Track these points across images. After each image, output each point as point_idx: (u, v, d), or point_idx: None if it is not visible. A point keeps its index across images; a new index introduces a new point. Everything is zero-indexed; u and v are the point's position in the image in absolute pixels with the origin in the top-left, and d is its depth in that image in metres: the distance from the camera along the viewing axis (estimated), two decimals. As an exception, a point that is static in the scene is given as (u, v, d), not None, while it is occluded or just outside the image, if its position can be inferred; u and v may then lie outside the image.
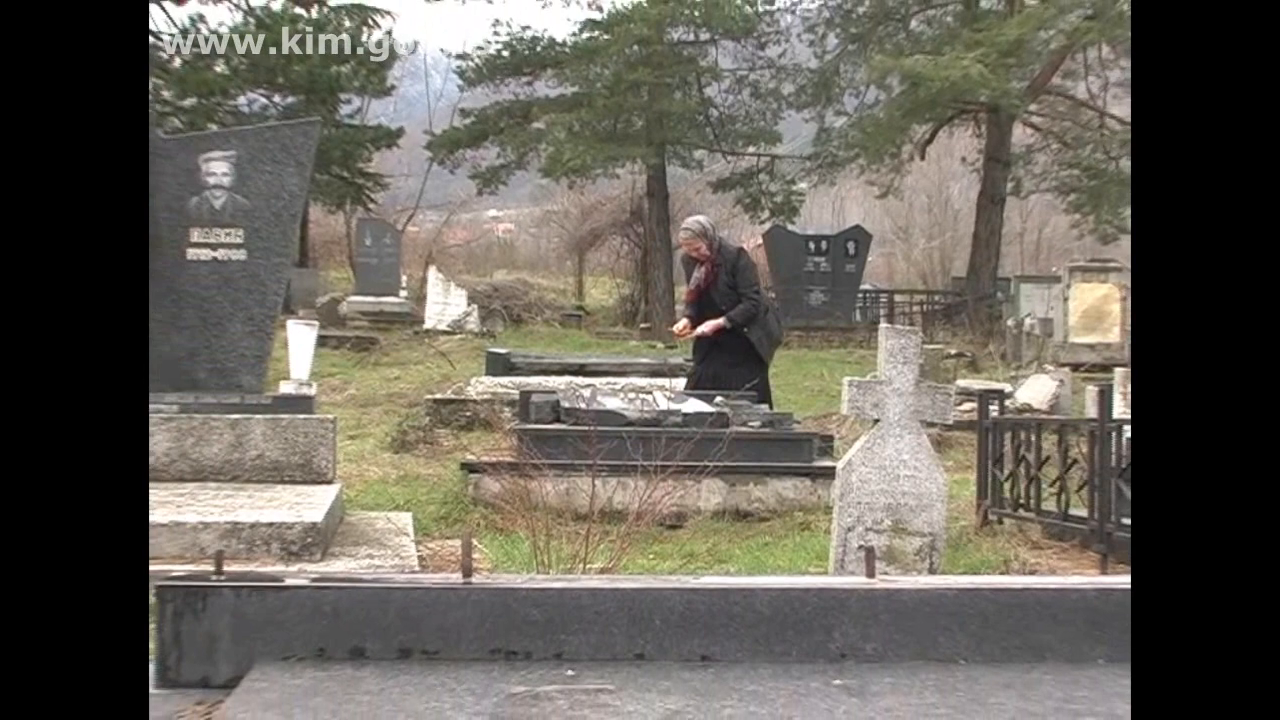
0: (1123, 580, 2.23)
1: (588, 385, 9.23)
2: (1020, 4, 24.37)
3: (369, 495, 7.46)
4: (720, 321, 8.43)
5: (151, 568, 4.46)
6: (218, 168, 6.54)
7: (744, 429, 7.74)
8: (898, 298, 26.00)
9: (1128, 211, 24.04)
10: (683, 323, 8.77)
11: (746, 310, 8.49)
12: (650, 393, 8.60)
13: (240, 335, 6.54)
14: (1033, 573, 5.49)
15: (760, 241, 24.21)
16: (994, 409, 7.74)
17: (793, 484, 7.48)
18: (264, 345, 6.69)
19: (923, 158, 26.95)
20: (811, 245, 22.32)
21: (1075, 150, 25.47)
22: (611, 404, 8.02)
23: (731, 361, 8.56)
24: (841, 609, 1.97)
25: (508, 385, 10.54)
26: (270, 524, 4.94)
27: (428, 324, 19.32)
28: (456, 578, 2.03)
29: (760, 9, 26.25)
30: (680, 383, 9.13)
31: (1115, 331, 17.44)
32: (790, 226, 24.70)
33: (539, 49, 26.29)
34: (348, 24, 24.40)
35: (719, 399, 8.24)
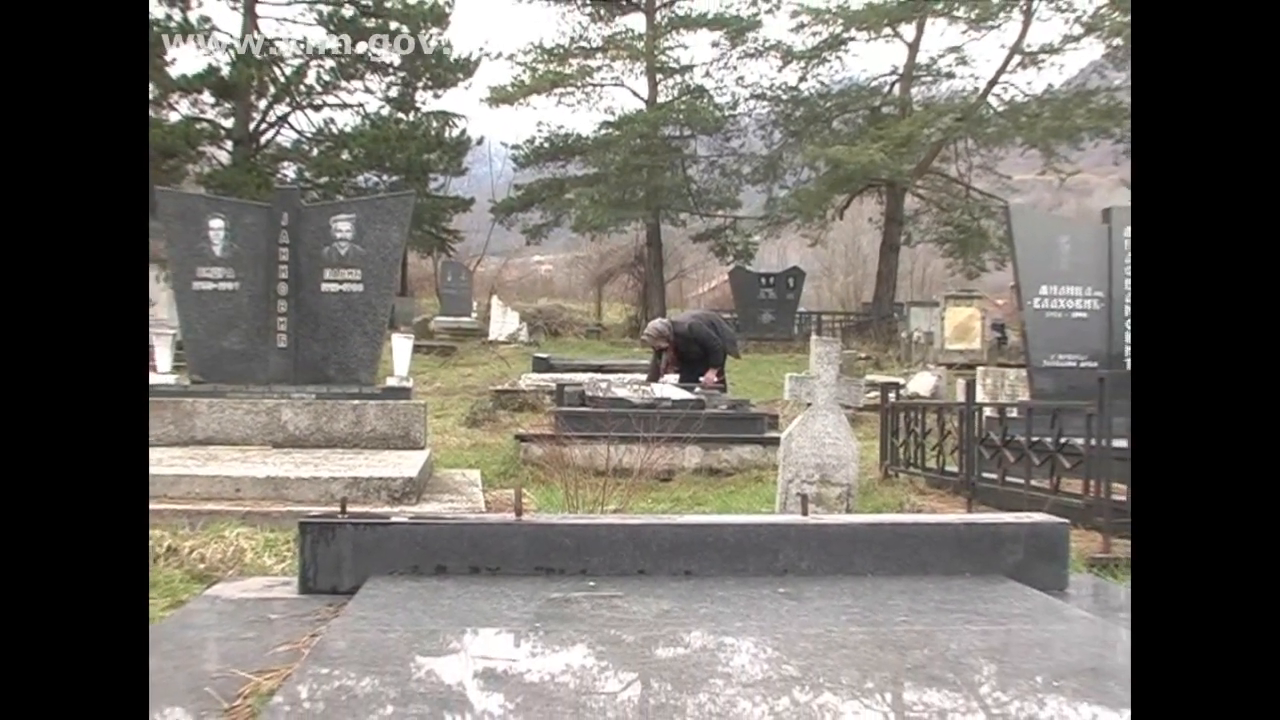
0: (984, 517, 2.22)
1: (604, 379, 9.23)
2: (909, 110, 24.44)
3: (450, 458, 7.47)
4: (713, 374, 9.19)
5: (294, 509, 4.46)
6: (343, 226, 6.55)
7: (715, 410, 7.76)
8: (824, 317, 25.96)
9: (986, 256, 24.16)
10: (709, 377, 9.20)
11: (716, 355, 9.38)
12: (649, 385, 8.62)
13: (359, 344, 6.55)
14: (919, 511, 5.48)
15: (726, 278, 24.34)
16: (892, 396, 7.75)
17: (750, 449, 7.50)
18: (375, 351, 6.70)
19: (841, 218, 26.98)
20: (763, 280, 22.36)
21: (949, 213, 25.52)
22: (621, 393, 8.02)
23: (702, 370, 9.22)
24: (784, 538, 1.97)
25: (548, 380, 10.55)
26: (380, 478, 4.94)
27: (491, 336, 19.33)
28: (511, 516, 2.03)
29: (726, 113, 26.50)
30: (669, 378, 9.13)
31: (977, 341, 17.43)
32: (748, 267, 24.68)
33: (570, 141, 26.43)
34: (434, 124, 24.42)
35: (698, 389, 8.27)
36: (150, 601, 3.52)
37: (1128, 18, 19.81)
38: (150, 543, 4.09)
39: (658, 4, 26.15)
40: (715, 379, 9.04)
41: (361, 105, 24.47)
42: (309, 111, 24.29)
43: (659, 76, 26.45)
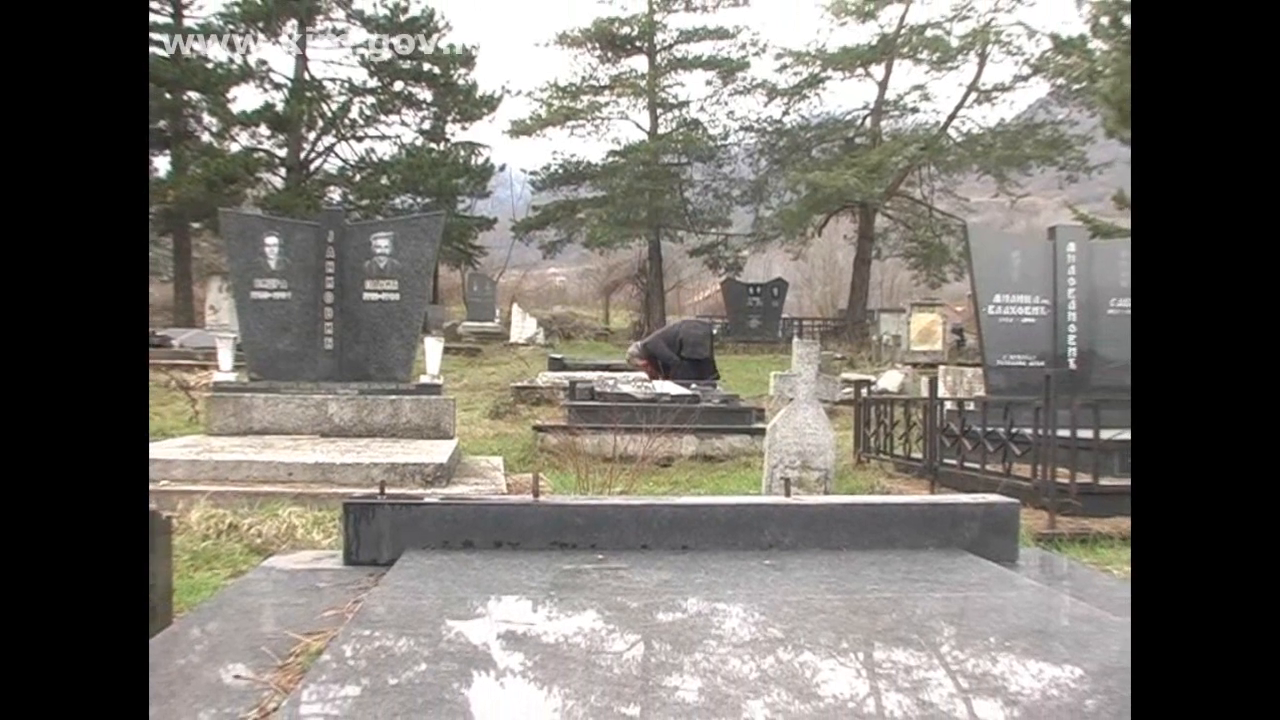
0: (944, 498, 2.22)
1: (612, 378, 9.24)
2: (879, 140, 24.51)
3: (475, 446, 7.48)
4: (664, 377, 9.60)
5: (339, 491, 4.47)
6: (382, 242, 6.56)
7: (709, 404, 7.76)
8: (805, 322, 25.84)
9: (947, 268, 24.16)
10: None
11: (669, 367, 9.67)
12: (651, 382, 8.63)
13: (396, 347, 6.55)
14: (888, 493, 5.48)
15: (719, 287, 24.33)
16: (864, 392, 7.74)
17: (739, 439, 7.49)
18: (410, 353, 6.71)
19: (820, 235, 26.96)
20: (751, 290, 22.34)
21: (914, 231, 25.53)
22: (626, 388, 8.03)
23: (694, 374, 9.54)
24: (769, 517, 1.97)
25: (562, 377, 10.55)
26: (415, 463, 4.94)
27: (512, 339, 19.30)
28: (529, 498, 2.03)
29: (718, 143, 26.62)
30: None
31: (938, 343, 17.41)
32: (737, 278, 24.65)
33: (581, 168, 26.45)
34: (462, 153, 24.46)
35: (694, 385, 8.27)
36: (214, 571, 3.53)
37: (1070, 60, 19.83)
38: (214, 520, 4.11)
39: (658, 48, 26.20)
40: (660, 372, 9.37)
41: (398, 137, 24.56)
42: (352, 142, 24.38)
43: (659, 111, 26.49)
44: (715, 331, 12.42)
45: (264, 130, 22.99)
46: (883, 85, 25.18)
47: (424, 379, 6.77)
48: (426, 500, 1.99)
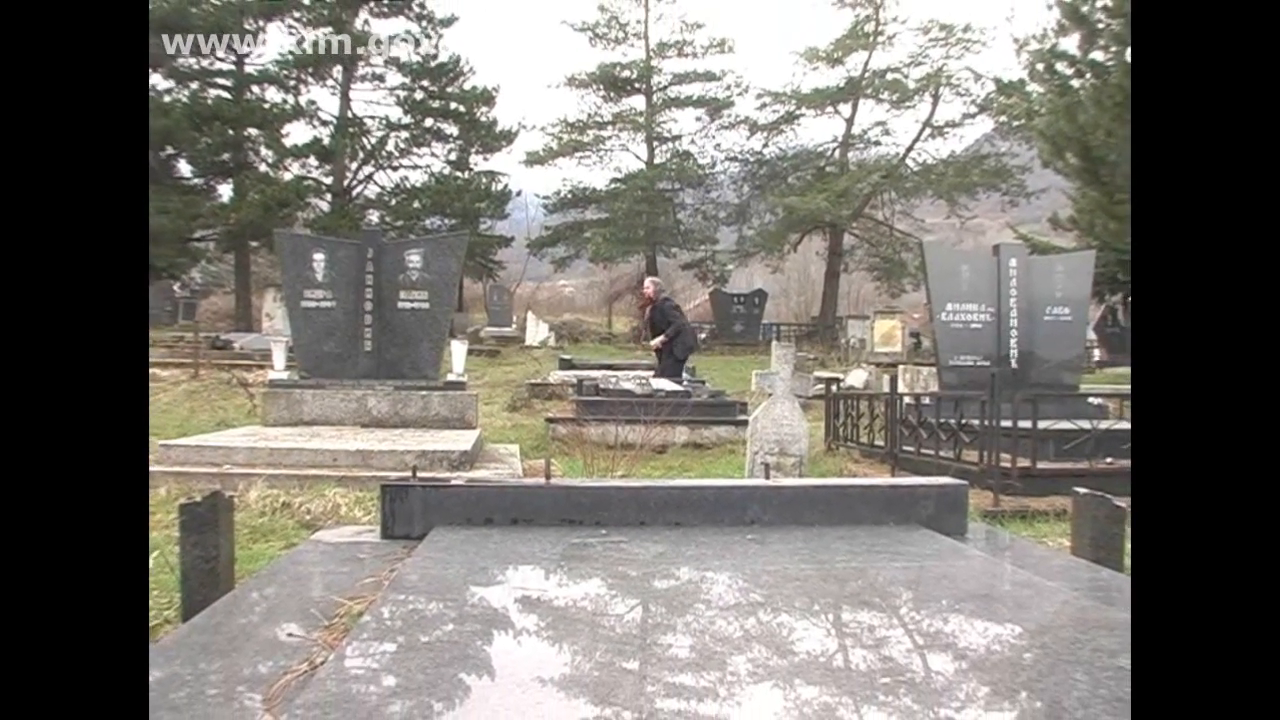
0: (903, 480, 2.22)
1: (614, 376, 9.24)
2: (847, 169, 24.58)
3: (495, 435, 7.47)
4: (661, 339, 9.12)
5: (377, 474, 4.47)
6: (414, 258, 6.55)
7: (699, 398, 7.75)
8: (782, 327, 25.78)
9: (905, 280, 24.18)
10: (658, 341, 9.25)
11: (671, 327, 9.11)
12: (647, 379, 8.62)
13: (426, 349, 6.55)
14: (855, 476, 5.48)
15: (707, 297, 24.35)
16: (834, 388, 7.74)
17: (725, 429, 7.48)
18: (439, 354, 6.71)
19: (795, 251, 26.99)
20: (735, 300, 22.34)
21: (877, 248, 25.57)
22: (626, 385, 8.02)
23: (672, 371, 9.13)
24: (752, 497, 1.97)
25: (570, 375, 10.54)
26: (443, 450, 4.94)
27: (527, 342, 19.28)
28: (542, 480, 2.03)
29: (706, 171, 26.66)
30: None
31: (898, 345, 17.39)
32: (724, 289, 24.64)
33: (587, 193, 26.49)
34: (484, 180, 24.47)
35: (685, 381, 8.26)
36: (269, 544, 3.52)
37: (1011, 100, 19.88)
38: (269, 499, 4.10)
39: (654, 89, 26.26)
40: (664, 343, 9.11)
41: (429, 166, 24.60)
42: (388, 171, 24.41)
43: (655, 143, 26.53)
44: (702, 336, 12.40)
45: (313, 161, 23.02)
46: (850, 121, 25.27)
47: (450, 377, 6.77)
48: (453, 482, 1.99)
